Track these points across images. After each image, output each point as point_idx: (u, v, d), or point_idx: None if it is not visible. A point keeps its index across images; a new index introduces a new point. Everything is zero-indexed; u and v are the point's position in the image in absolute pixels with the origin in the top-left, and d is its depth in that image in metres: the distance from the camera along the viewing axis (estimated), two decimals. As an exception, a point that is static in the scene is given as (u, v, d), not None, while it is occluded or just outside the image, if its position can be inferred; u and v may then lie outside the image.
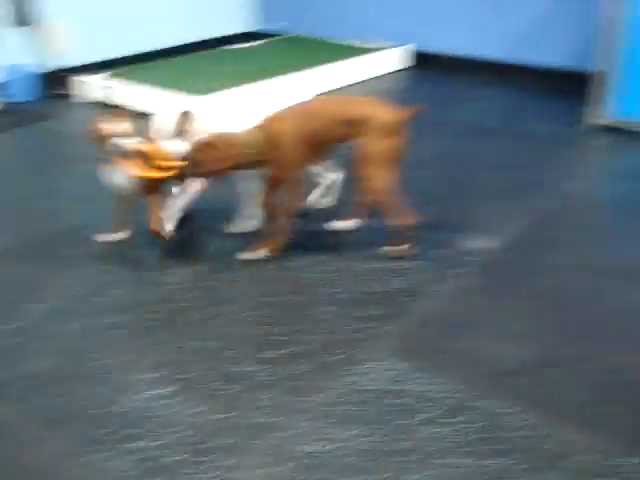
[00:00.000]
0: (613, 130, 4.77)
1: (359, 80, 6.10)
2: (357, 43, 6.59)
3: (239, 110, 3.32)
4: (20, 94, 5.61)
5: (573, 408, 2.26)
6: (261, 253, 3.14)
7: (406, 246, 3.17)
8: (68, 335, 2.65)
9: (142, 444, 2.12)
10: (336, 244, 3.30)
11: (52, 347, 2.58)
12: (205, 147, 2.85)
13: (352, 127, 2.96)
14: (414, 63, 6.47)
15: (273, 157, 2.93)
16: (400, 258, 3.15)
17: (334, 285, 2.96)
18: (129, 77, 5.51)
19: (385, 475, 2.00)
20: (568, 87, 5.60)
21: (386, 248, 3.18)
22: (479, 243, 3.30)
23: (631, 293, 2.91)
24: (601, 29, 4.76)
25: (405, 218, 3.08)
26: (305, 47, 6.67)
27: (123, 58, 6.25)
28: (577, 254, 3.22)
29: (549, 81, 5.87)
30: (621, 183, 4.01)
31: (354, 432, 2.16)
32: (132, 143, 2.81)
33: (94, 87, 5.55)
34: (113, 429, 2.18)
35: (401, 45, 6.46)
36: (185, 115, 2.99)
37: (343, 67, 5.98)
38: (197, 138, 2.91)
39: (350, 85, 6.00)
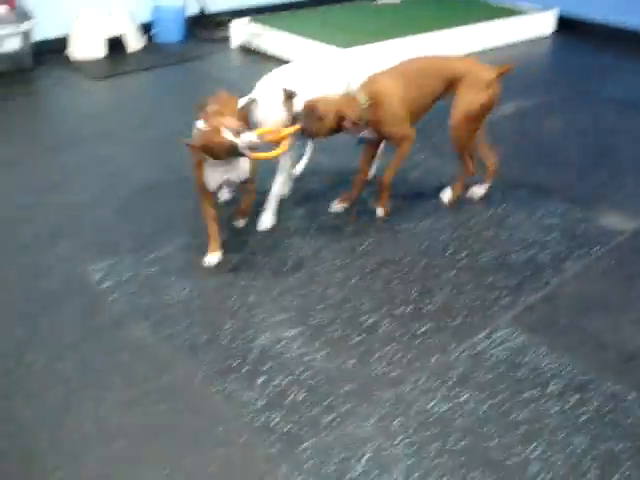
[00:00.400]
0: None
1: (505, 43, 5.95)
2: (504, 4, 6.40)
3: (341, 70, 3.32)
4: (165, 34, 5.85)
5: (695, 403, 2.22)
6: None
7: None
8: (207, 268, 2.82)
9: (267, 379, 2.26)
10: (461, 211, 3.30)
11: (189, 280, 2.76)
12: (312, 112, 2.86)
13: (450, 83, 3.10)
14: (559, 29, 6.23)
15: (378, 117, 2.98)
16: (531, 229, 3.13)
17: (460, 251, 2.98)
18: (272, 24, 5.60)
19: (491, 443, 2.05)
20: None
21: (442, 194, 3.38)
22: (617, 222, 3.22)
23: None
24: None
25: (469, 169, 3.30)
26: (449, 4, 6.54)
27: (269, 5, 6.36)
28: None
29: None
30: None
31: (468, 396, 2.22)
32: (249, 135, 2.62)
33: (240, 32, 5.70)
34: (243, 362, 2.33)
35: (547, 9, 6.22)
36: (288, 94, 2.95)
37: (489, 29, 5.84)
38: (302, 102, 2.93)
39: (496, 48, 5.86)
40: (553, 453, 2.02)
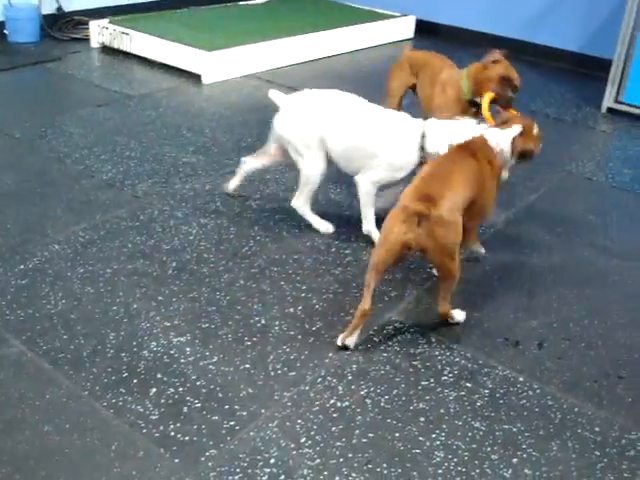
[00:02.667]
0: (628, 115, 4.81)
1: (369, 45, 6.07)
2: (364, 8, 6.55)
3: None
4: (20, 34, 5.51)
5: (581, 381, 2.32)
6: None
7: None
8: (85, 278, 2.66)
9: (161, 389, 2.15)
10: (342, 209, 3.32)
11: (69, 289, 2.59)
12: None
13: None
14: (418, 33, 6.45)
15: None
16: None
17: (345, 247, 2.99)
18: (134, 24, 5.42)
19: (395, 435, 2.05)
20: (587, 71, 5.65)
21: None
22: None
23: (633, 274, 2.98)
24: (619, 16, 4.78)
25: None
26: (314, 7, 6.62)
27: (130, 5, 6.17)
28: (581, 233, 3.27)
29: (565, 64, 5.89)
30: (629, 168, 4.06)
31: (367, 390, 2.21)
32: None
33: (100, 31, 5.47)
34: (132, 373, 2.21)
35: (406, 14, 6.43)
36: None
37: (353, 32, 5.94)
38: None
39: (360, 50, 5.97)
40: (455, 439, 2.05)
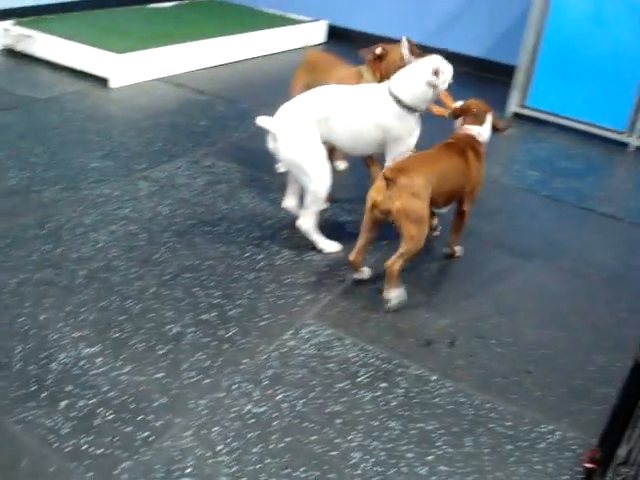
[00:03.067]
0: (532, 119, 4.99)
1: (281, 50, 6.08)
2: (274, 13, 6.57)
3: None
4: None
5: (492, 378, 2.39)
6: None
7: None
8: (-14, 290, 2.56)
9: (71, 402, 2.09)
10: (255, 214, 3.31)
11: (-31, 301, 2.49)
12: None
13: None
14: (330, 38, 6.51)
15: None
16: (324, 228, 3.21)
17: (258, 253, 2.98)
18: (40, 27, 5.26)
19: (312, 438, 2.06)
20: (492, 76, 5.82)
21: None
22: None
23: (539, 273, 3.09)
24: (523, 24, 4.96)
25: None
26: (224, 11, 6.59)
27: (36, 7, 5.97)
28: (488, 234, 3.37)
29: (471, 69, 6.05)
30: (534, 170, 4.20)
31: (283, 395, 2.21)
32: None
33: (4, 34, 5.28)
34: (41, 386, 2.13)
35: (318, 19, 6.49)
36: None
37: (265, 36, 5.94)
38: None
39: (269, 55, 5.97)
40: (371, 440, 2.07)
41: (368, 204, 2.68)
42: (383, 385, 2.30)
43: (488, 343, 2.57)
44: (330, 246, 3.09)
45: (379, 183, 2.65)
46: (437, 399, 2.26)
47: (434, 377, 2.36)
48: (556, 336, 2.66)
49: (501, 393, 2.32)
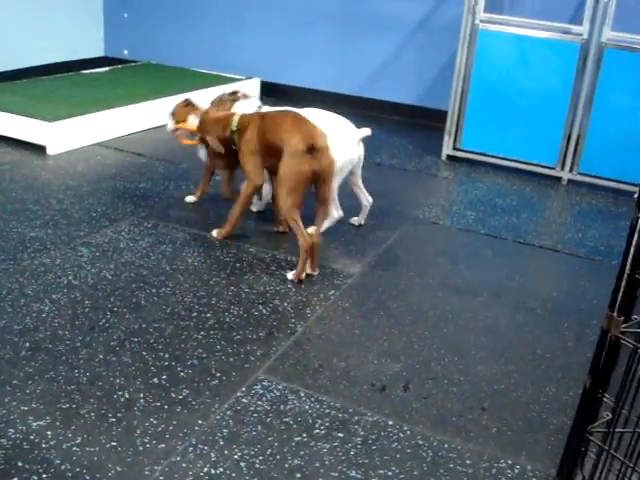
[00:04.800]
0: (466, 161, 5.13)
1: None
2: (209, 72, 6.66)
3: None
4: None
5: (448, 418, 2.40)
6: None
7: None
8: None
9: (21, 479, 2.01)
10: (198, 274, 3.30)
11: None
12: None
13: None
14: (263, 94, 6.61)
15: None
16: (270, 282, 3.21)
17: (206, 312, 2.96)
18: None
19: (274, 493, 2.03)
20: (425, 122, 5.98)
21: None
22: (345, 267, 3.43)
23: (485, 310, 3.14)
24: (451, 70, 5.14)
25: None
26: (158, 74, 6.65)
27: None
28: (433, 275, 3.42)
29: (404, 116, 6.21)
30: (472, 210, 4.30)
31: (241, 453, 2.18)
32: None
33: None
34: (-14, 466, 2.06)
35: (251, 77, 6.60)
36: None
37: (203, 95, 5.98)
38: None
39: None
40: (332, 492, 2.05)
41: None
42: (340, 435, 2.29)
43: (441, 383, 2.59)
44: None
45: None
46: (395, 444, 2.26)
47: (391, 422, 2.36)
48: (507, 370, 2.70)
49: (458, 432, 2.33)
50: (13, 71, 6.33)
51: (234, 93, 3.79)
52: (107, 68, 6.71)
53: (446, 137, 5.20)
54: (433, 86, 6.16)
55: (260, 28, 6.69)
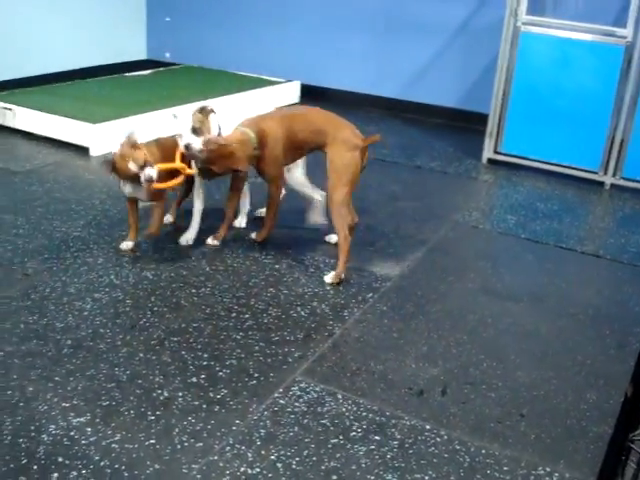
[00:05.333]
0: (507, 164, 5.08)
1: (259, 110, 6.16)
2: (249, 75, 6.70)
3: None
4: None
5: (486, 423, 2.38)
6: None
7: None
8: (-29, 365, 2.53)
9: (63, 474, 2.05)
10: (239, 274, 3.32)
11: (-45, 378, 2.46)
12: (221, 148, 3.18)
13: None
14: (303, 97, 6.62)
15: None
16: (309, 284, 3.22)
17: (244, 312, 2.98)
18: (18, 100, 5.32)
19: (310, 495, 2.03)
20: (466, 125, 5.94)
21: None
22: (383, 270, 3.42)
23: (525, 315, 3.11)
24: (493, 72, 5.09)
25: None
26: (200, 76, 6.71)
27: (14, 80, 6.06)
28: (472, 280, 3.40)
29: (445, 119, 6.18)
30: (512, 214, 4.26)
31: (277, 454, 2.18)
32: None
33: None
34: (32, 459, 2.10)
35: (291, 80, 6.62)
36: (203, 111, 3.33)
37: (243, 98, 6.04)
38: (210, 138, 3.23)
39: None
40: (368, 495, 2.04)
41: None
42: (377, 438, 2.28)
43: (480, 389, 2.57)
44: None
45: None
46: (432, 449, 2.24)
47: (428, 426, 2.34)
48: (547, 377, 2.67)
49: (496, 438, 2.31)
50: (57, 73, 6.44)
51: (203, 109, 3.36)
52: (149, 71, 6.80)
53: (487, 140, 5.16)
54: (474, 89, 6.11)
55: (301, 31, 6.71)
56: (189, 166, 3.36)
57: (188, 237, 3.53)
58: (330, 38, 6.58)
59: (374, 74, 6.50)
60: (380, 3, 6.31)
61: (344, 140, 3.23)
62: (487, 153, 5.18)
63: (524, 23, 4.84)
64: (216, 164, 3.21)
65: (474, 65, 6.05)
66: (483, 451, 2.25)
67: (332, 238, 3.60)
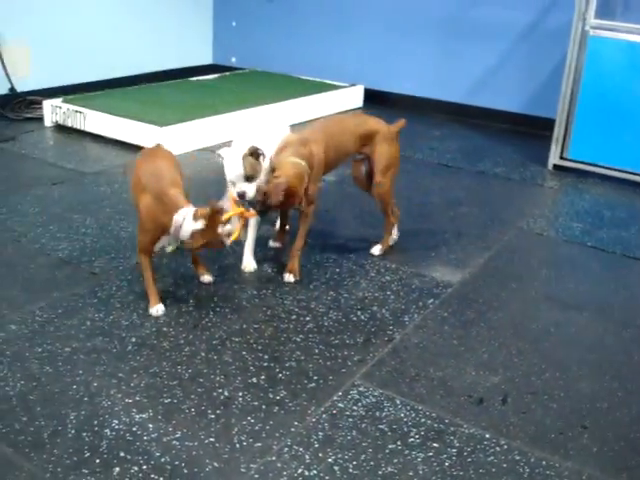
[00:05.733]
0: (573, 171, 4.98)
1: (321, 115, 6.20)
2: (313, 79, 6.74)
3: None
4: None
5: (547, 434, 2.34)
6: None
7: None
8: (44, 358, 2.61)
9: (124, 468, 2.10)
10: (305, 272, 3.34)
11: (27, 370, 2.54)
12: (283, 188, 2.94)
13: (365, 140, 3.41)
14: (366, 102, 6.62)
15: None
16: (369, 288, 3.22)
17: (304, 315, 3.00)
18: (88, 103, 5.48)
19: (367, 499, 2.03)
20: (531, 131, 5.86)
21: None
22: (445, 276, 3.39)
23: (590, 325, 3.04)
24: (560, 76, 5.00)
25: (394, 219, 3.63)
26: (264, 81, 6.78)
27: (82, 84, 6.24)
28: (536, 288, 3.34)
29: (509, 124, 6.10)
30: (578, 222, 4.17)
31: (335, 457, 2.19)
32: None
33: (54, 110, 5.51)
34: (94, 453, 2.15)
35: (355, 84, 6.63)
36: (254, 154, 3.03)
37: (306, 102, 6.08)
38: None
39: (309, 121, 6.09)
40: (426, 502, 2.03)
41: None
42: (435, 445, 2.27)
43: (541, 398, 2.53)
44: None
45: None
46: (491, 458, 2.22)
47: (487, 435, 2.32)
48: (611, 389, 2.61)
49: (557, 449, 2.27)
50: (125, 77, 6.60)
51: (254, 152, 3.04)
52: (215, 75, 6.90)
53: (553, 146, 5.07)
54: (539, 93, 6.01)
55: (364, 35, 6.72)
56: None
57: (251, 264, 3.37)
58: (394, 42, 6.57)
59: (438, 78, 6.46)
60: (444, 6, 6.27)
61: (384, 136, 3.40)
62: (553, 159, 5.09)
63: (593, 27, 4.74)
64: (275, 205, 2.99)
65: (539, 69, 5.96)
66: (543, 462, 2.21)
67: (376, 249, 3.59)
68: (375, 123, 3.46)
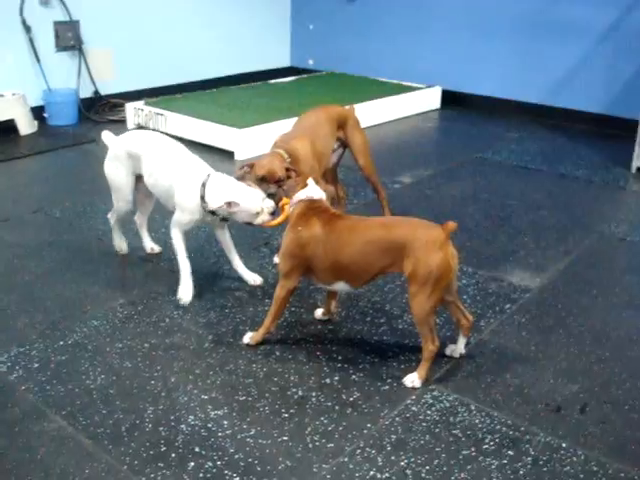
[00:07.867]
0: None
1: (398, 117, 6.19)
2: (390, 81, 6.72)
3: None
4: (59, 117, 5.79)
5: (627, 445, 2.27)
6: None
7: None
8: (124, 353, 2.69)
9: (199, 463, 2.14)
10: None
11: (108, 364, 2.62)
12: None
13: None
14: (445, 103, 6.56)
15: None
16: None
17: (379, 317, 2.99)
18: (168, 106, 5.61)
19: (440, 504, 2.01)
20: (614, 132, 5.69)
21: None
22: (524, 280, 3.33)
23: (677, 335, 2.93)
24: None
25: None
26: (341, 83, 6.80)
27: (163, 87, 6.40)
28: (618, 294, 3.24)
29: (591, 126, 5.94)
30: (661, 227, 4.04)
31: (407, 461, 2.18)
32: None
33: (136, 113, 5.67)
34: (170, 447, 2.20)
35: (432, 86, 6.57)
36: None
37: (382, 104, 6.07)
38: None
39: (390, 121, 6.09)
40: (500, 510, 2.00)
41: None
42: (510, 453, 2.23)
43: (622, 409, 2.45)
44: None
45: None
46: (568, 467, 2.16)
47: (564, 444, 2.26)
48: (697, 402, 2.50)
49: (637, 461, 2.20)
50: (204, 81, 6.74)
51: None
52: (292, 78, 6.97)
53: (637, 148, 4.90)
54: (622, 93, 5.83)
55: (441, 37, 6.66)
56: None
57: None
58: (471, 42, 6.50)
59: (517, 79, 6.34)
60: (524, 5, 6.16)
61: (356, 121, 3.63)
62: (637, 162, 4.92)
63: (683, 25, 4.57)
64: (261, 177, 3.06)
65: (623, 68, 5.78)
66: (622, 474, 2.14)
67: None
68: (343, 109, 3.62)
